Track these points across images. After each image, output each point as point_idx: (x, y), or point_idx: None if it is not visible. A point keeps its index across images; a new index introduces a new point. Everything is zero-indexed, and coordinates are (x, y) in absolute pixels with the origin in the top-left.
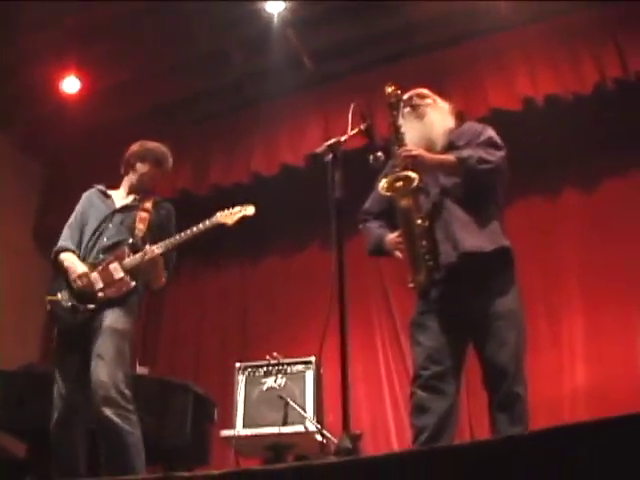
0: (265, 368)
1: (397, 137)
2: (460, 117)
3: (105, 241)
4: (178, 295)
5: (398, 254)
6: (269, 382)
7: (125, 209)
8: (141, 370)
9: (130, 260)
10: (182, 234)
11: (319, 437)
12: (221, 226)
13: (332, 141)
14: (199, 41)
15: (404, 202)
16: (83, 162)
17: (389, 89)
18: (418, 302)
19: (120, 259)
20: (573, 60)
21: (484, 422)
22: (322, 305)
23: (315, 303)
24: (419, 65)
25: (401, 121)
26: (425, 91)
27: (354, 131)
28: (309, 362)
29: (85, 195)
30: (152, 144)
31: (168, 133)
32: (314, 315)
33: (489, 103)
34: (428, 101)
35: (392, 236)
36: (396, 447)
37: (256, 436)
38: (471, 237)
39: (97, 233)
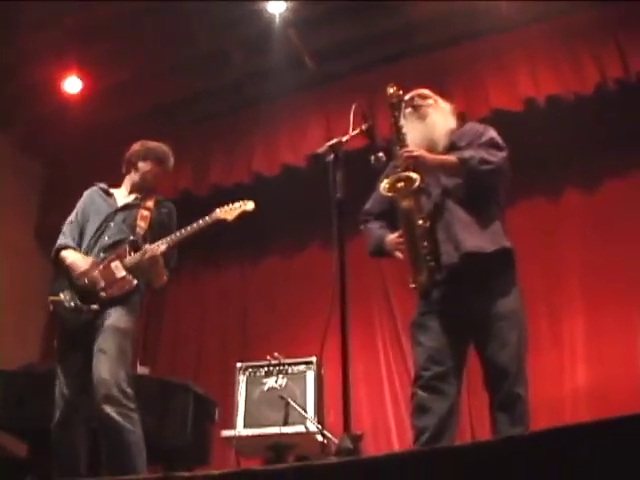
0: (266, 368)
1: (398, 138)
2: (461, 118)
3: (106, 240)
4: (178, 295)
5: (399, 255)
6: (270, 382)
7: (127, 207)
8: (142, 370)
9: (131, 258)
10: (182, 231)
11: (320, 437)
12: (221, 222)
13: (333, 141)
14: (199, 41)
15: (405, 203)
16: (83, 162)
17: (391, 89)
18: (419, 303)
19: (121, 257)
20: (574, 60)
21: (485, 422)
22: (323, 305)
23: (316, 303)
24: (420, 65)
25: (403, 122)
26: (427, 92)
27: (355, 131)
28: (310, 362)
29: (86, 193)
30: (153, 143)
31: (168, 133)
32: (315, 315)
33: (490, 103)
34: (430, 102)
35: (393, 237)
36: (397, 447)
37: (257, 436)
38: (472, 238)
39: (99, 232)
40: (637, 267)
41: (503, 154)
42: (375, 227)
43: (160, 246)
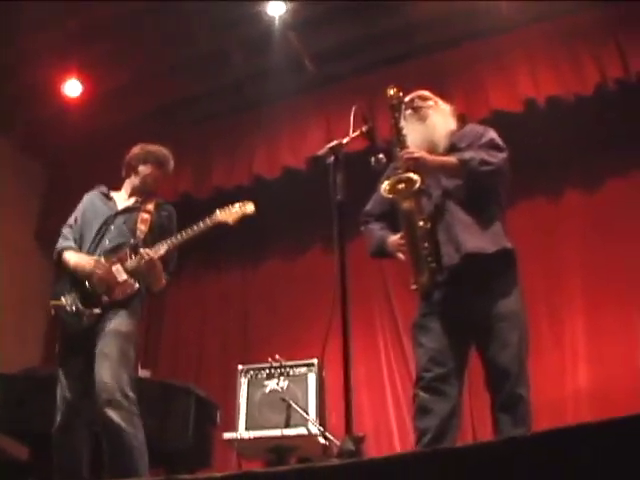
0: (267, 370)
1: (399, 139)
2: (462, 119)
3: (107, 243)
4: (179, 298)
5: (400, 256)
6: (271, 384)
7: (127, 211)
8: (143, 373)
9: (131, 262)
10: (182, 233)
11: (322, 439)
12: (222, 225)
13: (334, 143)
14: (199, 41)
15: (406, 204)
16: (83, 163)
17: (391, 91)
18: (420, 304)
19: (122, 261)
20: (574, 61)
21: (487, 423)
22: (324, 307)
23: (317, 305)
24: (420, 67)
25: (403, 123)
26: (427, 93)
27: (356, 133)
28: (311, 364)
29: (86, 196)
30: (153, 146)
31: (168, 135)
32: (316, 317)
33: (490, 105)
34: (430, 103)
35: (394, 238)
36: (399, 449)
37: (258, 438)
38: (473, 239)
39: (99, 235)
40: (637, 267)
41: (503, 155)
42: (376, 228)
43: (159, 250)
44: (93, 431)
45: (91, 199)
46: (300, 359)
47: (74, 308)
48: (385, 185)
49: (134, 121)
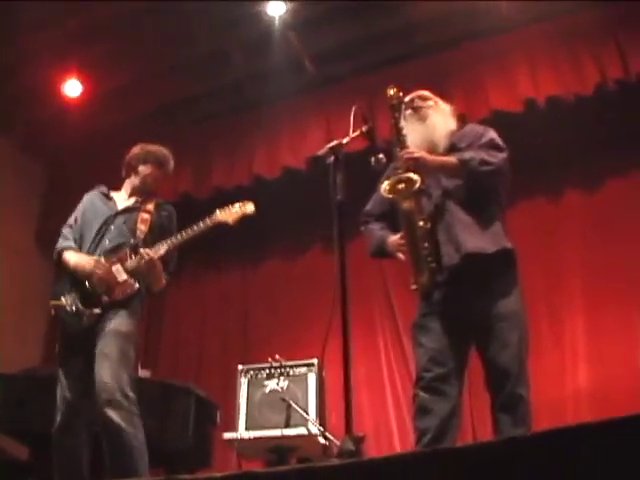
0: (267, 370)
1: (399, 139)
2: (462, 119)
3: (107, 243)
4: (179, 298)
5: (400, 256)
6: (271, 384)
7: (127, 211)
8: (143, 373)
9: (131, 262)
10: (182, 233)
11: (322, 439)
12: (222, 225)
13: (334, 143)
14: (199, 41)
15: (406, 204)
16: (84, 163)
17: (391, 91)
18: (420, 304)
19: (123, 261)
20: (574, 61)
21: (487, 423)
22: (324, 307)
23: (317, 305)
24: (420, 67)
25: (403, 123)
26: (427, 93)
27: (356, 133)
28: (311, 364)
29: (86, 196)
30: (153, 146)
31: (168, 135)
32: (316, 318)
33: (490, 105)
34: (430, 103)
35: (394, 238)
36: (399, 449)
37: (258, 438)
38: (473, 239)
39: (99, 235)
40: (637, 267)
41: (503, 155)
42: (376, 228)
43: (159, 250)
44: (93, 431)
45: (91, 199)
46: (300, 359)
47: (74, 308)
48: (385, 185)
49: (134, 121)
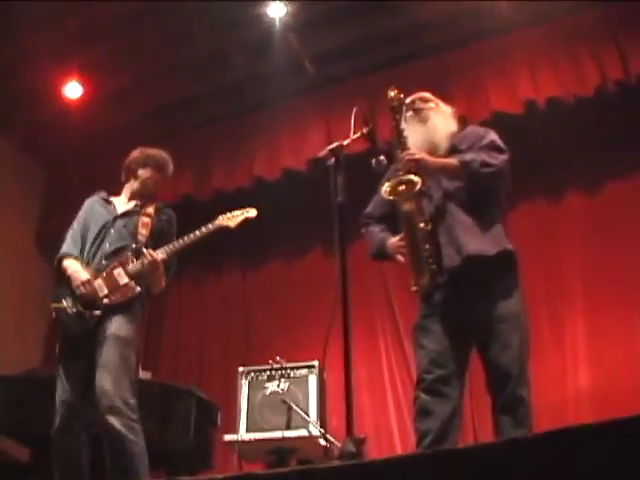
0: (268, 372)
1: (400, 141)
2: (462, 121)
3: (107, 247)
4: (180, 301)
5: (400, 258)
6: (272, 386)
7: (127, 215)
8: (144, 375)
9: (134, 265)
10: (185, 238)
11: (322, 441)
12: (224, 229)
13: (334, 145)
14: (199, 42)
15: (407, 206)
16: (84, 164)
17: (391, 93)
18: (421, 306)
19: (124, 265)
20: (574, 62)
21: (488, 425)
22: (325, 310)
23: (318, 308)
24: (420, 68)
25: (404, 125)
26: (428, 95)
27: (356, 135)
28: (312, 366)
29: (87, 202)
30: (152, 150)
31: (169, 138)
32: (317, 320)
33: (491, 106)
34: (431, 105)
35: (394, 240)
36: (400, 451)
37: (259, 440)
38: (474, 240)
39: (99, 239)
40: (638, 269)
41: (504, 157)
42: (376, 230)
43: (163, 253)
44: (92, 433)
45: (91, 204)
46: (301, 361)
47: (75, 310)
48: (386, 187)
49: (134, 122)
